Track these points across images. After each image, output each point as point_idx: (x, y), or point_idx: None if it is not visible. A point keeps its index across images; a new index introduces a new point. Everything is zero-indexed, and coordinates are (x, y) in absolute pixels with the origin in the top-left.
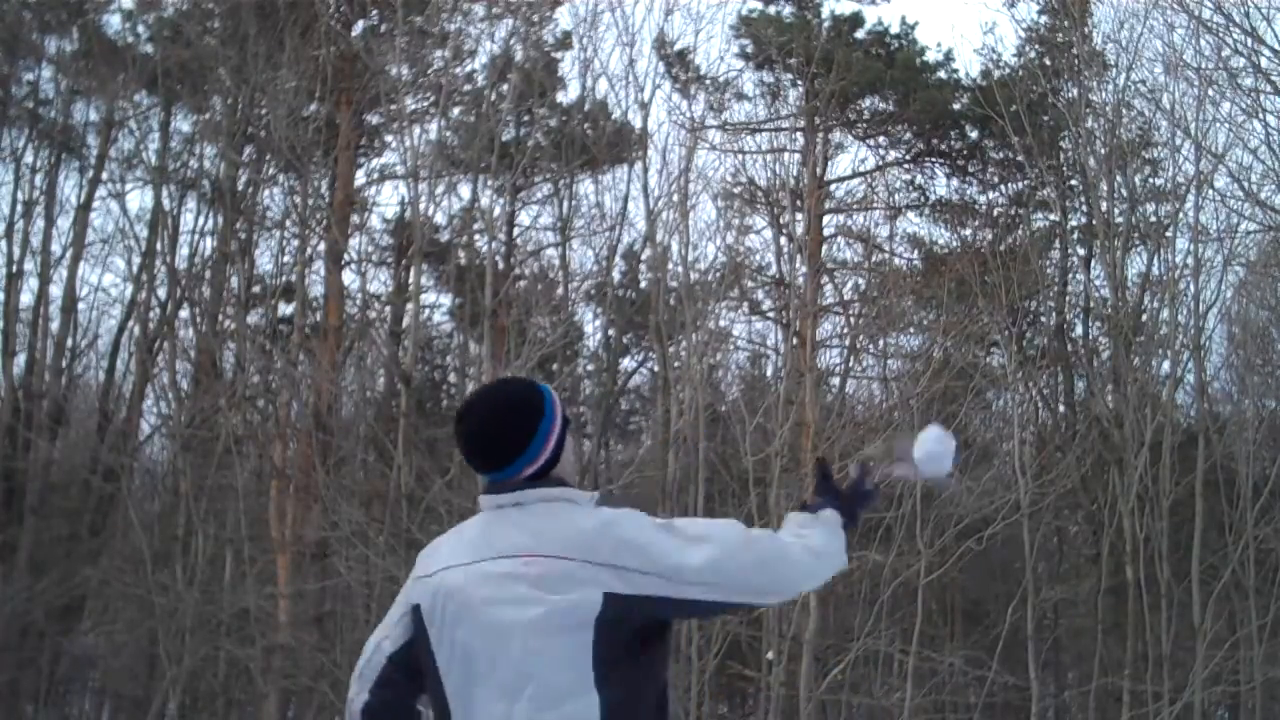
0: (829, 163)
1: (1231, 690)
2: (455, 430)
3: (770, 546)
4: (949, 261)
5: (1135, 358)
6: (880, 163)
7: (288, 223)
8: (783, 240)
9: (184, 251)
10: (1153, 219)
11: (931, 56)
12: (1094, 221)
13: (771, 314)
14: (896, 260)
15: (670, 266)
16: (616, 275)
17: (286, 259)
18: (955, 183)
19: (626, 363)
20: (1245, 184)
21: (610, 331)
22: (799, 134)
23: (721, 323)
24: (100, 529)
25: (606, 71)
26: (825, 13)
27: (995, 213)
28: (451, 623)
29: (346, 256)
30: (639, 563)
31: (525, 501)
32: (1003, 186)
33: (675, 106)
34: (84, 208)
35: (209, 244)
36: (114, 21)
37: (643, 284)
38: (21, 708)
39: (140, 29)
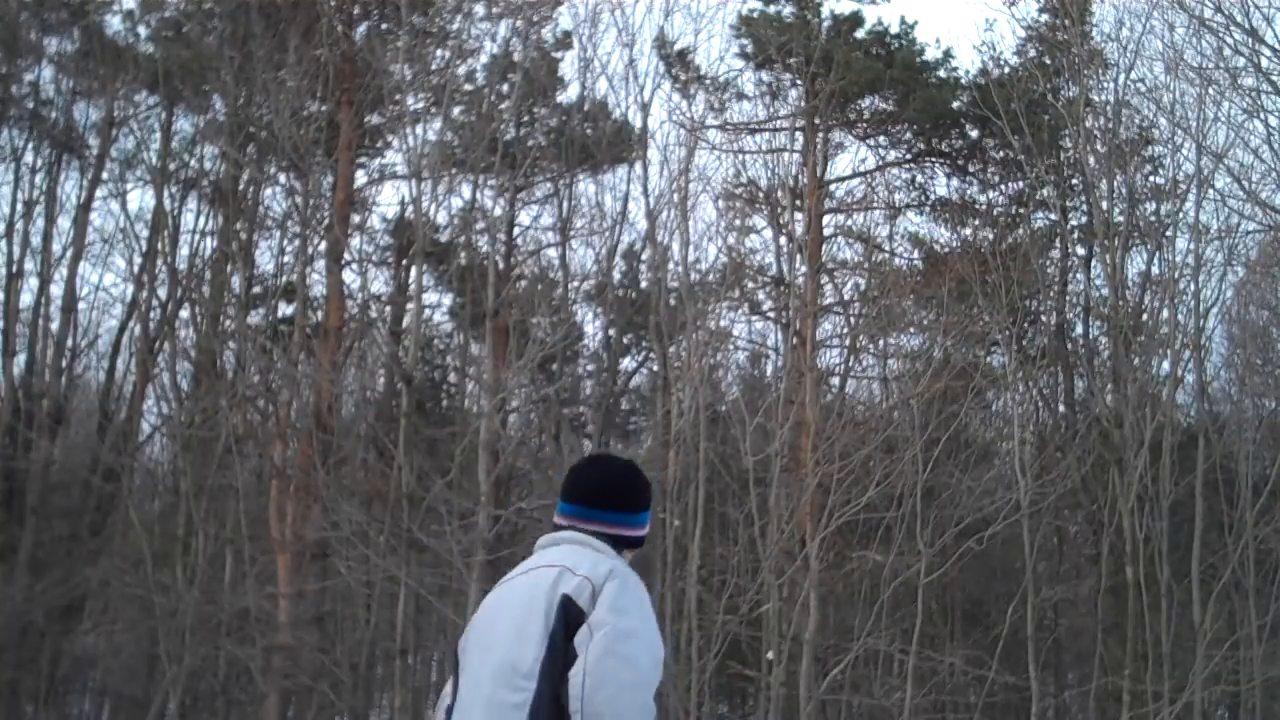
0: (829, 163)
1: (1231, 690)
2: (594, 464)
3: None
4: (949, 261)
5: (1135, 357)
6: (880, 162)
7: (288, 223)
8: (783, 240)
9: (184, 251)
10: (1152, 218)
11: (931, 56)
12: (1094, 221)
13: (771, 314)
14: (896, 260)
15: (670, 266)
16: (616, 275)
17: (287, 259)
18: (955, 182)
19: (626, 363)
20: (1245, 183)
21: (610, 331)
22: (799, 134)
23: (721, 323)
24: (100, 529)
25: (606, 71)
26: (825, 12)
27: (995, 212)
28: None
29: (347, 256)
30: (580, 639)
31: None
32: (1003, 186)
33: (675, 106)
34: (84, 208)
35: (209, 244)
36: (115, 22)
37: (643, 284)
38: (21, 708)
39: (141, 29)
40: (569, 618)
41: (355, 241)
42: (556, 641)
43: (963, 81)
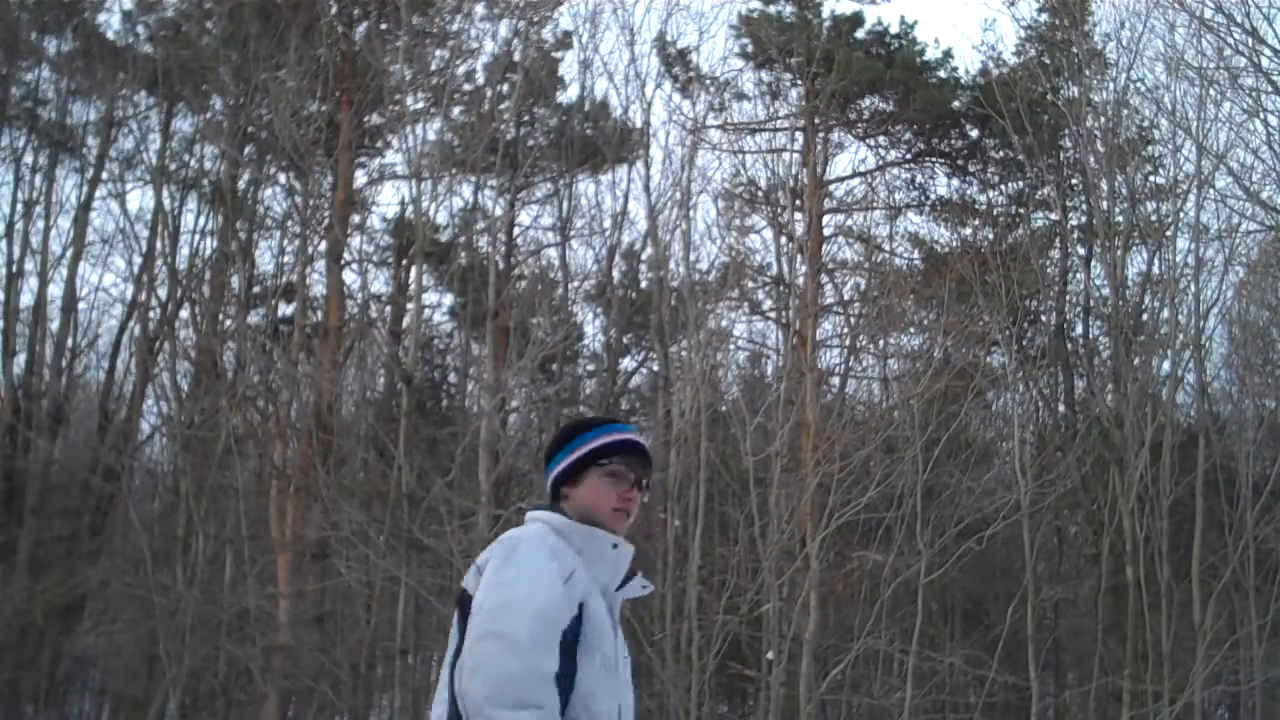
0: (829, 163)
1: (1231, 690)
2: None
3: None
4: (949, 261)
5: (1135, 357)
6: (880, 162)
7: (288, 223)
8: (783, 240)
9: (184, 251)
10: (1153, 218)
11: (931, 55)
12: (1094, 221)
13: (771, 314)
14: (896, 260)
15: (670, 266)
16: (616, 275)
17: (287, 259)
18: (955, 182)
19: (626, 363)
20: (1246, 183)
21: (610, 331)
22: (799, 134)
23: (722, 323)
24: (100, 529)
25: (607, 71)
26: (825, 12)
27: (995, 212)
28: None
29: (347, 256)
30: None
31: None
32: (1003, 186)
33: (676, 106)
34: (84, 208)
35: (209, 244)
36: (114, 22)
37: (643, 284)
38: (21, 708)
39: (140, 29)
40: (463, 610)
41: (355, 241)
42: (456, 641)
43: (963, 81)
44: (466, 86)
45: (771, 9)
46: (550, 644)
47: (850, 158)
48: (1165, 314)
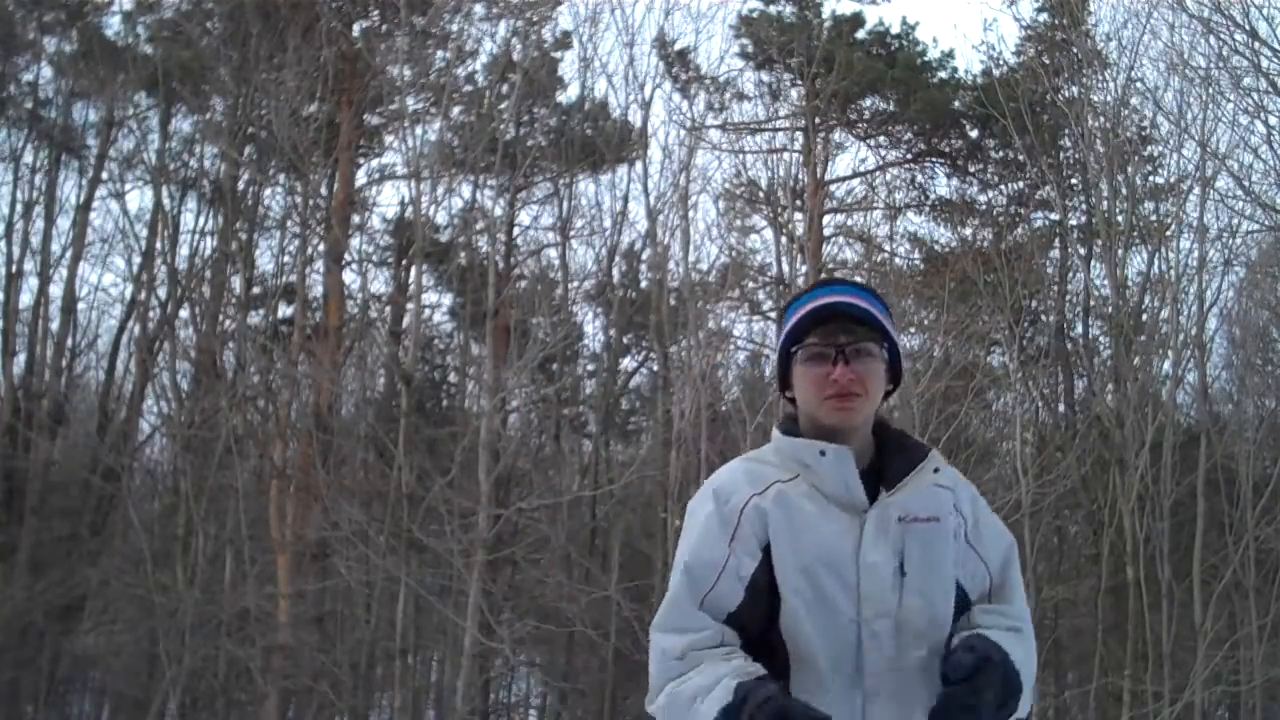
0: (829, 162)
1: (1232, 690)
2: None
3: None
4: (949, 261)
5: (1136, 357)
6: (880, 163)
7: (288, 223)
8: (783, 240)
9: (184, 251)
10: (1153, 218)
11: (932, 56)
12: (1094, 220)
13: (772, 314)
14: (897, 260)
15: (670, 266)
16: (616, 275)
17: (287, 259)
18: (955, 182)
19: (626, 363)
20: (1246, 184)
21: (610, 331)
22: (799, 134)
23: (721, 323)
24: (100, 529)
25: (606, 71)
26: (826, 13)
27: (995, 212)
28: None
29: (347, 256)
30: None
31: None
32: (1003, 186)
33: (675, 106)
34: (84, 208)
35: (209, 244)
36: (114, 22)
37: (643, 284)
38: (21, 708)
39: (140, 29)
40: None
41: (355, 241)
42: None
43: (964, 81)
44: (466, 87)
45: (772, 9)
46: (687, 609)
47: (850, 158)
48: (1165, 314)
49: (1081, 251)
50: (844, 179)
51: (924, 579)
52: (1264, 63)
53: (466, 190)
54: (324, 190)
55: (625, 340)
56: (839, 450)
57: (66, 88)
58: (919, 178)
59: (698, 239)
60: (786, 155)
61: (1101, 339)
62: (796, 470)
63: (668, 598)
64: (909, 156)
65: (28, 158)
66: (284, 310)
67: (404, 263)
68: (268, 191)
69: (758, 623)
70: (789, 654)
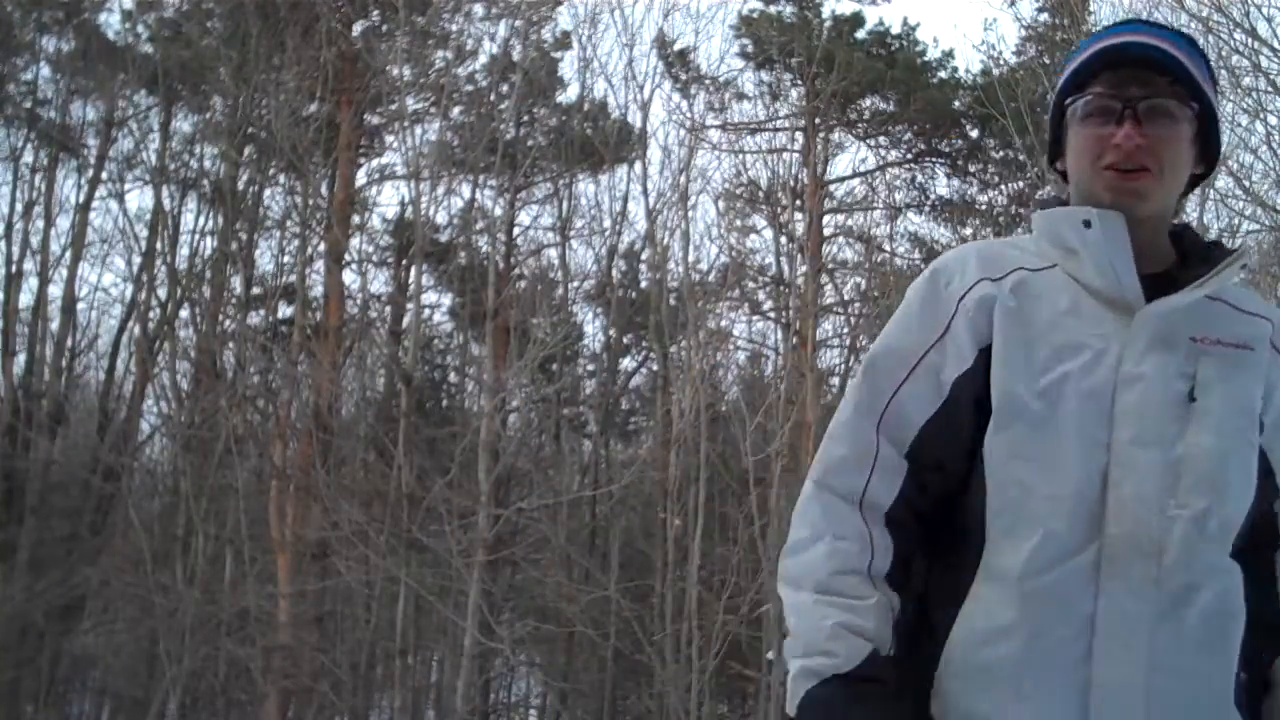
0: (829, 163)
1: None
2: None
3: None
4: None
5: None
6: (880, 163)
7: (288, 223)
8: (783, 240)
9: (184, 251)
10: None
11: (932, 56)
12: None
13: (772, 314)
14: (897, 260)
15: (670, 266)
16: (616, 275)
17: (287, 259)
18: (955, 182)
19: (626, 363)
20: (1246, 184)
21: (610, 331)
22: (799, 134)
23: (721, 323)
24: (100, 529)
25: (606, 71)
26: (826, 13)
27: (995, 212)
28: None
29: (347, 256)
30: None
31: None
32: (1003, 186)
33: (675, 106)
34: (84, 208)
35: (209, 244)
36: (114, 21)
37: (643, 284)
38: (21, 708)
39: (140, 29)
40: None
41: (355, 241)
42: None
43: (964, 82)
44: (466, 87)
45: (772, 9)
46: (860, 424)
47: (850, 158)
48: None
49: None
50: (844, 179)
51: (1225, 415)
52: (1264, 62)
53: (466, 190)
54: (324, 190)
55: (625, 340)
56: (1109, 218)
57: (66, 87)
58: (919, 178)
59: (697, 239)
60: (786, 155)
61: None
62: (1054, 259)
63: (836, 414)
64: (909, 156)
65: (27, 157)
66: (284, 310)
67: (404, 263)
68: (268, 191)
69: (951, 461)
70: (987, 524)
